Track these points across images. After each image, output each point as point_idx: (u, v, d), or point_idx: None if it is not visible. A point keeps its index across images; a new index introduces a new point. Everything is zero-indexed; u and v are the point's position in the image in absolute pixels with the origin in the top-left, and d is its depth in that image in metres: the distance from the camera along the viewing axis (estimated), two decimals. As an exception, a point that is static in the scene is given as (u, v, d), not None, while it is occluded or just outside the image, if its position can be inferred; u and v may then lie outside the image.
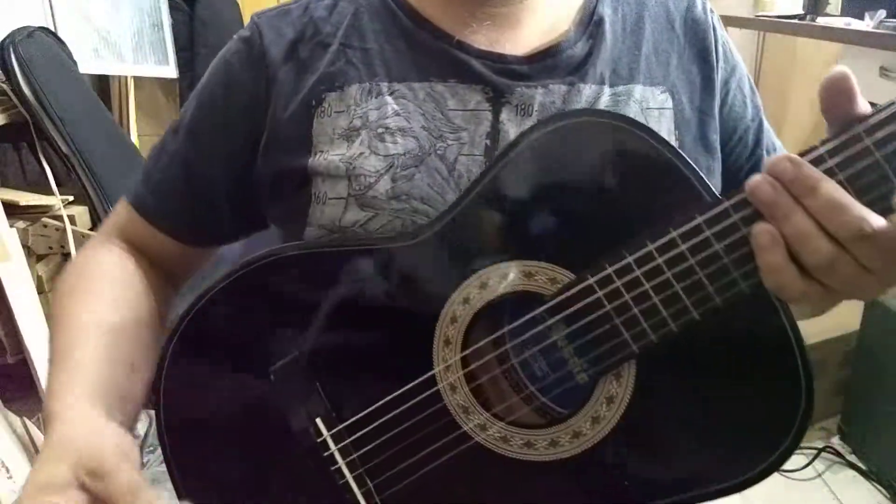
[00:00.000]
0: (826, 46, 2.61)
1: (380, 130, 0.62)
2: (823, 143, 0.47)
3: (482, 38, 0.64)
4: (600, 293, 0.52)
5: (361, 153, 0.62)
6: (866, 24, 2.17)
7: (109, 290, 0.68)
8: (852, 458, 1.83)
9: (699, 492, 0.55)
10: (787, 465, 2.00)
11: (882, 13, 2.13)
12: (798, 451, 1.85)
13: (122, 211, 0.74)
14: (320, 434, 0.59)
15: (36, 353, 1.62)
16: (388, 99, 0.63)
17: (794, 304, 0.50)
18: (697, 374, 0.54)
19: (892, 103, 0.45)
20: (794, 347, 0.51)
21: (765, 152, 0.72)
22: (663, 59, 0.67)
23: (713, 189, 0.52)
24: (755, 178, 0.47)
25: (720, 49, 0.70)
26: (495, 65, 0.63)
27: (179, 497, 0.66)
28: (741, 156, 0.71)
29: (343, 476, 0.59)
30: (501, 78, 0.63)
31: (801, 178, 0.46)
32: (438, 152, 0.62)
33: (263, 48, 0.66)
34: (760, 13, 2.79)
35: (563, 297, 0.53)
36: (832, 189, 0.45)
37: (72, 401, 0.57)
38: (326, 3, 0.67)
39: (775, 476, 1.86)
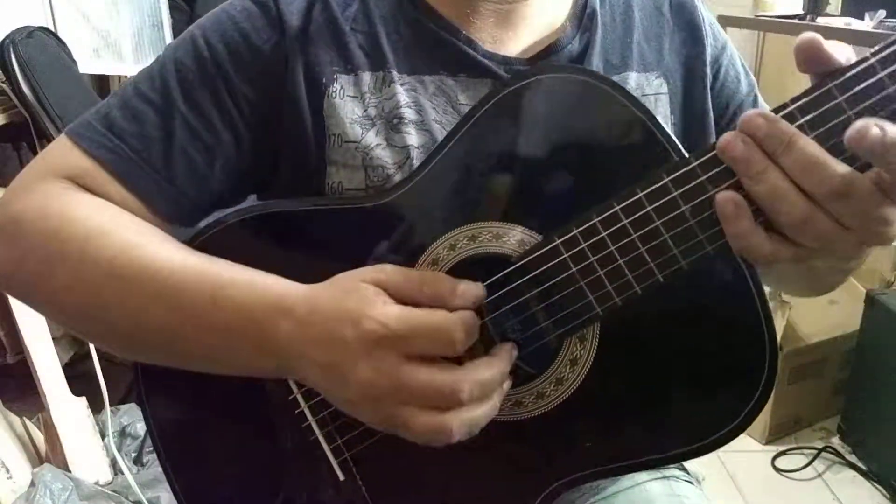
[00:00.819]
0: (826, 46, 2.61)
1: (395, 121, 0.62)
2: (794, 100, 0.46)
3: (486, 36, 0.64)
4: (566, 255, 0.52)
5: (378, 144, 0.62)
6: (866, 24, 2.17)
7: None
8: (852, 458, 1.83)
9: (659, 455, 0.56)
10: (787, 465, 1.99)
11: (882, 13, 2.13)
12: (798, 451, 1.86)
13: (76, 160, 0.60)
14: (291, 392, 0.59)
15: (36, 353, 1.62)
16: (399, 88, 0.63)
17: (763, 266, 0.49)
18: (661, 339, 0.55)
19: (866, 59, 0.44)
20: (759, 313, 0.52)
21: None
22: (654, 45, 0.68)
23: (680, 147, 0.52)
24: (727, 135, 0.46)
25: (707, 28, 0.70)
26: (501, 65, 0.64)
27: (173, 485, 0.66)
28: None
29: (313, 433, 0.59)
30: (509, 76, 0.63)
31: (774, 135, 0.44)
32: None
33: (280, 13, 0.62)
34: (760, 13, 2.79)
35: (529, 258, 0.53)
36: (808, 145, 0.44)
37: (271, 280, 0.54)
38: None
39: (775, 476, 1.86)
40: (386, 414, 0.49)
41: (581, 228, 0.51)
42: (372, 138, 0.62)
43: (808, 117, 0.45)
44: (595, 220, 0.51)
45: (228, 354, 0.54)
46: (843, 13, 2.47)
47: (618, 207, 0.50)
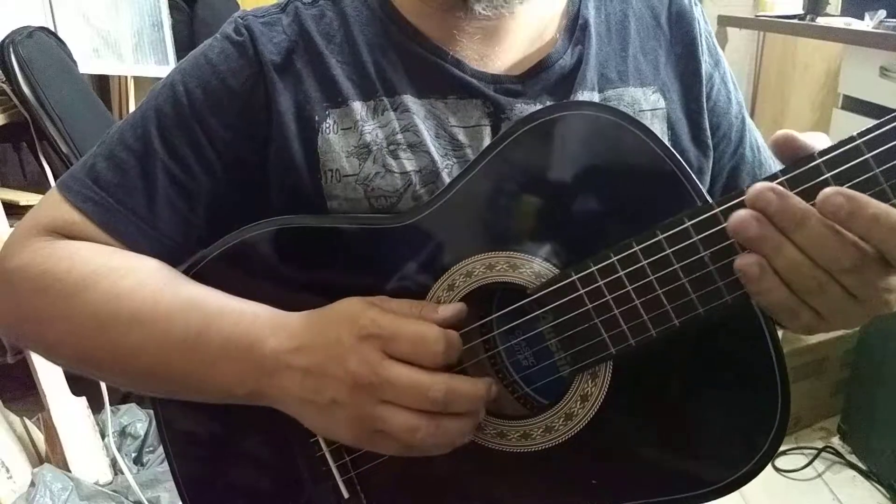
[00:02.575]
0: (826, 46, 2.61)
1: (391, 147, 0.61)
2: (784, 171, 0.46)
3: (472, 53, 0.63)
4: (582, 291, 0.51)
5: (377, 172, 0.61)
6: (866, 24, 2.17)
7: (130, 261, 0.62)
8: (852, 458, 1.83)
9: (668, 497, 0.55)
10: (787, 465, 1.99)
11: (882, 13, 2.13)
12: (798, 451, 1.86)
13: (63, 214, 0.62)
14: None
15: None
16: (392, 115, 0.62)
17: (785, 321, 0.49)
18: (673, 382, 0.54)
19: (852, 139, 0.45)
20: (773, 359, 0.51)
21: (748, 150, 0.72)
22: (651, 58, 0.66)
23: (704, 192, 0.51)
24: (738, 215, 0.46)
25: (704, 42, 0.68)
26: (491, 84, 0.63)
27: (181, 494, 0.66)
28: (724, 153, 0.70)
29: (321, 449, 0.60)
30: (499, 95, 0.63)
31: (787, 211, 0.44)
32: (446, 170, 0.62)
33: (258, 52, 0.62)
34: (760, 13, 2.79)
35: (545, 291, 0.53)
36: (820, 223, 0.44)
37: (257, 309, 0.56)
38: (313, 13, 0.64)
39: (775, 476, 1.86)
40: (365, 413, 0.50)
41: (598, 266, 0.51)
42: (370, 168, 0.61)
43: (797, 190, 0.45)
44: (613, 258, 0.50)
45: (210, 381, 0.56)
46: (843, 13, 2.47)
47: (637, 248, 0.50)
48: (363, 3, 0.65)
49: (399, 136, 0.61)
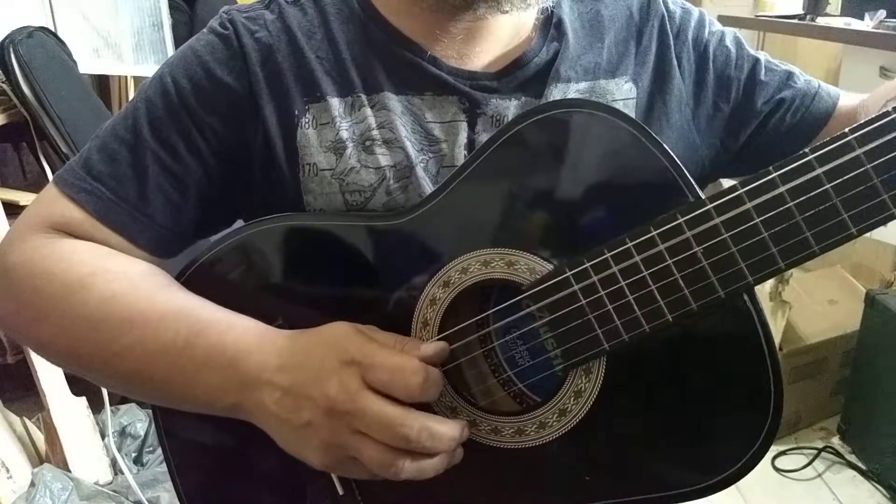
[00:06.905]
0: (826, 46, 2.61)
1: (367, 143, 0.63)
2: (777, 167, 0.47)
3: (451, 52, 0.64)
4: (576, 287, 0.52)
5: (352, 167, 0.63)
6: (866, 24, 2.17)
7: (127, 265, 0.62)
8: (852, 458, 1.83)
9: (660, 494, 0.55)
10: (787, 465, 1.99)
11: (882, 13, 2.13)
12: (798, 451, 1.86)
13: (60, 207, 0.63)
14: None
15: (36, 353, 1.62)
16: (369, 112, 0.63)
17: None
18: (667, 377, 0.54)
19: (844, 135, 0.45)
20: (766, 356, 0.51)
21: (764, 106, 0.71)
22: (623, 48, 0.68)
23: (697, 189, 0.52)
24: None
25: (678, 19, 0.69)
26: (467, 81, 0.64)
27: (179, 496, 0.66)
28: (752, 100, 0.71)
29: None
30: (475, 91, 0.64)
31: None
32: (422, 164, 0.63)
33: (243, 48, 0.63)
34: (760, 13, 2.79)
35: (539, 287, 0.53)
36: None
37: (245, 323, 0.57)
38: (294, 10, 0.66)
39: (775, 476, 1.86)
40: (337, 440, 0.51)
41: (592, 262, 0.51)
42: (346, 163, 0.63)
43: (755, 202, 0.47)
44: (607, 254, 0.51)
45: (192, 390, 0.56)
46: (843, 13, 2.47)
47: (630, 244, 0.50)
48: (343, 2, 0.66)
49: (375, 133, 0.63)
